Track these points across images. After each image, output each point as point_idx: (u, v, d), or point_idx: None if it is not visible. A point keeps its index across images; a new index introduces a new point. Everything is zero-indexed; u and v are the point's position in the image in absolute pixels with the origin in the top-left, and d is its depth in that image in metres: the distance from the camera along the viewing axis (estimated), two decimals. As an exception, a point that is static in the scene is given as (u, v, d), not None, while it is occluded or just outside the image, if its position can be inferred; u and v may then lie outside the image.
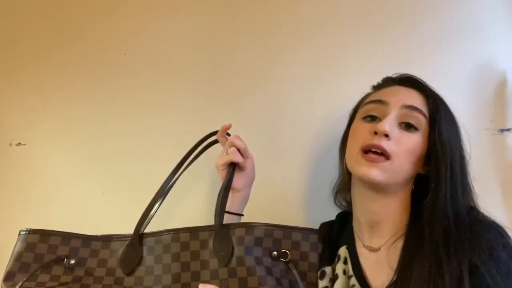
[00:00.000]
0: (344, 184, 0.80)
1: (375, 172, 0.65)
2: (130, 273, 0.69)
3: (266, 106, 1.00)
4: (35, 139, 0.99)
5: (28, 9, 1.04)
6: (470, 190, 0.68)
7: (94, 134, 0.99)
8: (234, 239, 0.68)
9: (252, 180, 0.84)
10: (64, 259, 0.69)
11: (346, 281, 0.69)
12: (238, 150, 0.79)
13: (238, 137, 0.80)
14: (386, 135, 0.65)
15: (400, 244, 0.66)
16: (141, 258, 0.70)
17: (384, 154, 0.65)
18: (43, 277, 0.68)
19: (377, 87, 0.79)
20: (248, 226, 0.69)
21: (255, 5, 1.03)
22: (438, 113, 0.68)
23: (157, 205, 0.75)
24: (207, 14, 1.04)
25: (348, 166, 0.71)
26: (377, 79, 1.02)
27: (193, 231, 0.70)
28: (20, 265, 0.68)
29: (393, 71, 1.01)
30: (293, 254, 0.69)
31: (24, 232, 0.72)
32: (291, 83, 1.01)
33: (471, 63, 1.01)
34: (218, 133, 0.84)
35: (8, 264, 0.68)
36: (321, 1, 1.04)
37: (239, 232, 0.69)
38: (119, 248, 0.71)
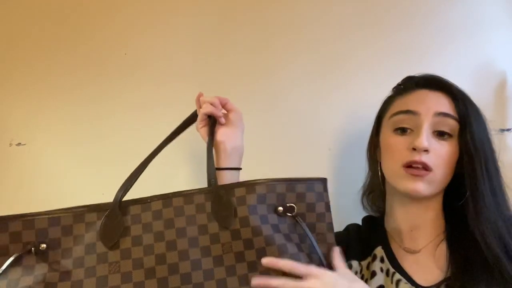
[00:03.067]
0: (376, 190, 0.81)
1: (422, 186, 0.68)
2: (113, 246, 0.60)
3: (266, 106, 1.00)
4: (35, 139, 0.99)
5: (28, 9, 1.04)
6: (505, 188, 0.70)
7: (94, 134, 0.99)
8: (235, 200, 0.63)
9: (240, 130, 0.76)
10: (31, 248, 0.58)
11: (386, 278, 0.70)
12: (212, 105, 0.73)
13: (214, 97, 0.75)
14: (426, 150, 0.67)
15: (444, 245, 0.69)
16: (126, 228, 0.61)
17: (425, 168, 0.67)
18: (15, 272, 0.58)
19: (401, 91, 0.77)
20: (248, 184, 0.64)
21: (257, 5, 1.03)
22: (468, 116, 0.69)
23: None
24: (207, 13, 1.04)
25: (390, 181, 0.73)
26: (377, 79, 1.02)
27: (186, 195, 0.63)
28: None
29: (393, 71, 1.02)
30: (300, 207, 0.65)
31: None
32: (292, 83, 1.01)
33: (471, 63, 1.01)
34: (196, 103, 0.77)
35: None
36: (322, 1, 1.04)
37: (239, 192, 0.64)
38: (96, 220, 0.62)
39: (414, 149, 0.68)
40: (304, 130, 0.99)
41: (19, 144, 0.99)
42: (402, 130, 0.71)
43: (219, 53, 1.02)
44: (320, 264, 0.62)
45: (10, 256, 0.58)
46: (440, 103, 0.70)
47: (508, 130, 0.97)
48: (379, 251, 0.73)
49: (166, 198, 0.63)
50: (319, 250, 0.63)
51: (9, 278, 0.58)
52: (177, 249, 0.60)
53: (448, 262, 0.67)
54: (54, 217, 0.61)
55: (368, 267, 0.73)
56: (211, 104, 0.73)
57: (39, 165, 0.98)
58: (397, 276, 0.69)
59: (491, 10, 1.03)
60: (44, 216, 0.61)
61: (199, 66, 1.02)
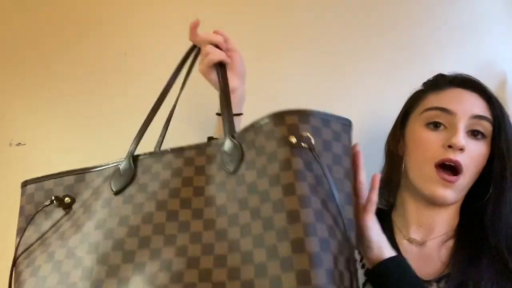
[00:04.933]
0: (390, 185, 0.79)
1: (450, 194, 0.67)
2: (118, 191, 0.61)
3: (269, 107, 1.00)
4: (35, 139, 0.99)
5: (28, 9, 1.04)
6: None
7: (94, 134, 0.99)
8: (244, 145, 0.57)
9: (244, 74, 0.74)
10: (53, 201, 0.65)
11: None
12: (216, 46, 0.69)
13: (215, 32, 0.70)
14: (461, 149, 0.66)
15: (451, 243, 0.69)
16: (134, 176, 0.62)
17: (457, 169, 0.66)
18: (46, 225, 0.66)
19: (432, 87, 0.76)
20: (256, 126, 0.57)
21: (258, 5, 1.03)
22: (503, 119, 0.69)
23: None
24: (208, 13, 1.04)
25: (416, 181, 0.71)
26: (377, 79, 1.02)
27: (200, 147, 0.61)
28: (26, 218, 0.68)
29: (393, 71, 1.02)
30: (316, 142, 0.53)
31: (23, 186, 0.71)
32: (293, 83, 1.01)
33: (471, 63, 1.01)
34: (189, 36, 0.71)
35: (18, 221, 0.69)
36: (322, 1, 1.04)
37: (248, 136, 0.57)
38: (112, 174, 0.65)
39: (449, 146, 0.67)
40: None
41: (19, 144, 0.99)
42: (435, 125, 0.70)
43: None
44: (337, 214, 0.51)
45: (39, 209, 0.66)
46: (476, 105, 0.70)
47: (508, 130, 0.97)
48: None
49: (178, 151, 0.62)
50: (337, 196, 0.52)
51: (41, 230, 0.66)
52: (179, 196, 0.58)
53: (452, 257, 0.67)
54: (79, 175, 0.67)
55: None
56: (217, 44, 0.68)
57: (39, 165, 0.98)
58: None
59: (491, 10, 1.03)
60: (71, 176, 0.68)
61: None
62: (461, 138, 0.66)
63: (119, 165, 0.65)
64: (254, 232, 0.51)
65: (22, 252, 0.65)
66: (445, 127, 0.70)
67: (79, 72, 1.01)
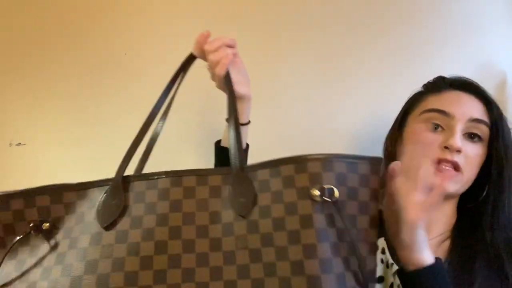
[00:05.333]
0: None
1: (449, 186, 0.69)
2: (109, 226, 0.52)
3: (269, 107, 1.00)
4: (35, 139, 0.99)
5: (28, 9, 1.04)
6: None
7: (95, 134, 0.99)
8: (256, 184, 0.51)
9: (249, 79, 0.71)
10: (32, 228, 0.55)
11: (386, 269, 0.70)
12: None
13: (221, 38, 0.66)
14: (458, 150, 0.68)
15: (447, 243, 0.70)
16: (125, 207, 0.53)
17: (455, 168, 0.68)
18: (24, 252, 0.56)
19: (432, 89, 0.78)
20: (273, 165, 0.51)
21: (259, 5, 1.03)
22: (501, 122, 0.71)
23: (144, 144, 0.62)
24: (208, 13, 1.04)
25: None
26: (376, 79, 1.02)
27: (201, 174, 0.54)
28: None
29: (393, 71, 1.02)
30: (340, 192, 0.49)
31: None
32: (294, 83, 1.01)
33: (471, 63, 1.01)
34: (195, 49, 0.68)
35: None
36: (321, 1, 1.04)
37: (262, 175, 0.51)
38: (100, 196, 0.56)
39: (446, 147, 0.68)
40: (304, 130, 0.99)
41: (19, 144, 0.99)
42: (434, 127, 0.72)
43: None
44: (358, 270, 0.49)
45: (17, 235, 0.56)
46: (475, 108, 0.72)
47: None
48: (381, 242, 0.73)
49: (175, 176, 0.54)
50: (360, 250, 0.49)
51: (18, 258, 0.56)
52: (181, 237, 0.51)
53: (446, 259, 0.68)
54: (55, 192, 0.58)
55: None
56: (229, 45, 0.65)
57: (39, 165, 0.98)
58: (395, 267, 0.69)
59: (491, 10, 1.03)
60: (44, 195, 0.58)
61: (200, 66, 1.02)
62: (458, 140, 0.68)
63: (105, 189, 0.56)
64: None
65: (2, 286, 0.56)
66: (443, 129, 0.71)
67: (79, 72, 1.01)
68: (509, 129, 0.72)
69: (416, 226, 0.54)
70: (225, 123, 0.72)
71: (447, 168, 0.68)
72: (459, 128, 0.69)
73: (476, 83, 0.75)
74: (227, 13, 1.04)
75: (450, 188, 0.69)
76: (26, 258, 0.56)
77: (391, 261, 0.70)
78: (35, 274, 0.54)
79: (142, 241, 0.51)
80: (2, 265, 0.55)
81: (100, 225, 0.53)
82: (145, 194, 0.54)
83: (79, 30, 1.03)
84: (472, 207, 0.72)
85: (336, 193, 0.48)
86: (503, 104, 0.99)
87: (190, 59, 0.68)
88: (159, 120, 0.66)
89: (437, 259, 0.56)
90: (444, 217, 0.73)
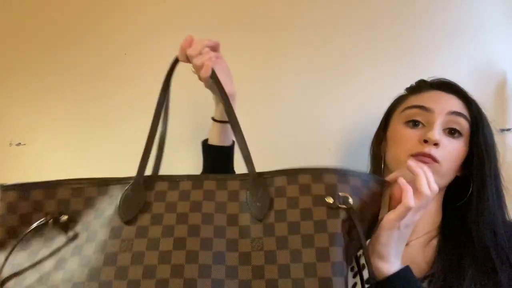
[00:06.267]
0: None
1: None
2: (130, 221, 0.54)
3: (265, 106, 1.00)
4: (35, 139, 0.99)
5: (28, 9, 1.04)
6: (504, 193, 0.72)
7: (95, 134, 0.99)
8: (272, 190, 0.55)
9: (231, 75, 0.74)
10: (49, 220, 0.56)
11: None
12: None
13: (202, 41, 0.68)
14: (436, 144, 0.68)
15: (435, 242, 0.70)
16: (146, 203, 0.55)
17: (434, 160, 0.68)
18: (37, 243, 0.56)
19: (413, 91, 0.80)
20: (291, 174, 0.55)
21: (259, 5, 1.03)
22: (480, 118, 0.71)
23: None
24: (208, 13, 1.04)
25: (393, 168, 0.73)
26: (376, 80, 1.02)
27: (220, 179, 0.57)
28: (8, 230, 0.57)
29: (393, 71, 1.02)
30: (354, 202, 0.53)
31: (2, 189, 0.60)
32: (291, 83, 1.01)
33: (471, 63, 1.01)
34: (179, 54, 0.70)
35: None
36: (321, 1, 1.04)
37: (279, 181, 0.55)
38: (120, 193, 0.57)
39: (425, 141, 0.69)
40: (303, 130, 0.99)
41: (19, 144, 0.99)
42: (414, 124, 0.73)
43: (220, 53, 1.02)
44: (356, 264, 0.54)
45: (32, 228, 0.56)
46: (454, 103, 0.73)
47: (508, 130, 0.97)
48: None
49: (197, 180, 0.57)
50: (368, 266, 0.53)
51: (31, 248, 0.56)
52: (200, 236, 0.52)
53: (436, 257, 0.68)
54: (77, 187, 0.58)
55: (359, 258, 0.73)
56: (208, 63, 0.66)
57: (39, 165, 0.98)
58: None
59: (491, 10, 1.03)
60: (67, 188, 0.58)
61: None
62: (436, 133, 0.68)
63: (126, 186, 0.57)
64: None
65: (13, 275, 0.56)
66: (424, 125, 0.72)
67: (79, 72, 1.01)
68: (489, 126, 0.73)
69: (388, 232, 0.56)
70: (211, 122, 0.76)
71: (424, 158, 0.68)
72: (438, 122, 0.70)
73: (456, 83, 0.77)
74: (226, 14, 1.04)
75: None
76: (39, 249, 0.56)
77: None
78: (49, 264, 0.55)
79: (162, 237, 0.52)
80: (14, 255, 0.55)
81: (121, 219, 0.54)
82: (167, 193, 0.56)
83: (79, 30, 1.03)
84: (458, 206, 0.72)
85: (351, 200, 0.52)
86: (503, 104, 0.99)
87: (175, 63, 0.70)
88: (162, 123, 0.68)
89: (406, 267, 0.58)
90: (428, 215, 0.73)
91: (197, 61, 0.66)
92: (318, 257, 0.49)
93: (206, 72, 0.65)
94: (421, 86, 0.80)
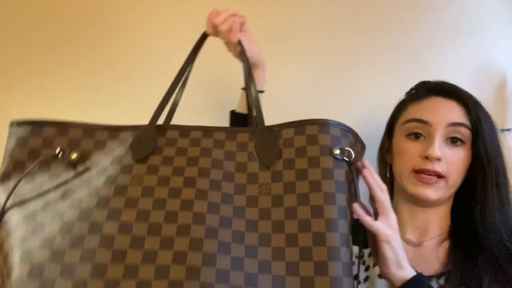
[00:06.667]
0: None
1: (430, 192, 0.70)
2: (141, 160, 0.56)
3: (269, 107, 1.00)
4: (35, 139, 0.99)
5: (28, 9, 1.04)
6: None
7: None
8: (281, 141, 0.57)
9: (259, 47, 0.76)
10: (60, 153, 0.57)
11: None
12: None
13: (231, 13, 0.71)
14: (438, 159, 0.69)
15: (447, 243, 0.71)
16: (157, 148, 0.57)
17: (438, 176, 0.69)
18: (42, 177, 0.58)
19: (413, 98, 0.79)
20: (298, 125, 0.57)
21: (259, 5, 1.03)
22: (480, 124, 0.71)
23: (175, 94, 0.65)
24: (207, 12, 1.04)
25: (400, 183, 0.74)
26: (376, 80, 1.02)
27: (229, 131, 0.59)
28: (14, 163, 0.58)
29: (393, 72, 1.02)
30: (354, 157, 0.56)
31: (13, 125, 0.60)
32: (293, 83, 1.01)
33: (471, 63, 1.01)
34: (207, 28, 0.73)
35: (2, 164, 0.59)
36: (319, 1, 1.04)
37: (286, 133, 0.57)
38: (130, 138, 0.58)
39: (426, 157, 0.70)
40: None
41: (19, 144, 0.99)
42: (415, 136, 0.73)
43: (219, 53, 1.02)
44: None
45: (40, 160, 0.57)
46: (453, 112, 0.72)
47: (508, 130, 0.97)
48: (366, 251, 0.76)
49: (207, 130, 0.59)
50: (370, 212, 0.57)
51: (36, 183, 0.57)
52: (209, 177, 0.54)
53: (450, 256, 0.69)
54: (89, 129, 0.60)
55: (369, 256, 0.75)
56: (235, 27, 0.70)
57: (39, 165, 0.98)
58: (377, 270, 0.70)
59: (491, 10, 1.03)
60: (79, 128, 0.60)
61: (200, 66, 1.02)
62: (436, 149, 0.69)
63: (137, 131, 0.59)
64: (288, 230, 0.51)
65: (16, 204, 0.56)
66: (425, 137, 0.73)
67: (79, 72, 1.01)
68: (492, 130, 0.73)
69: (391, 243, 0.58)
70: (240, 93, 0.78)
71: (429, 177, 0.70)
72: (437, 136, 0.70)
73: (457, 86, 0.76)
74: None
75: (431, 196, 0.70)
76: (44, 183, 0.57)
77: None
78: (55, 195, 0.56)
79: (172, 175, 0.54)
80: (18, 187, 0.56)
81: (133, 157, 0.56)
82: (177, 140, 0.58)
83: (79, 30, 1.03)
84: (466, 208, 0.73)
85: (353, 154, 0.55)
86: (503, 104, 0.99)
87: (203, 38, 0.73)
88: (178, 90, 0.69)
89: (418, 273, 0.60)
90: (438, 219, 0.75)
91: (224, 26, 0.69)
92: (325, 200, 0.51)
93: (234, 36, 0.69)
94: (420, 93, 0.79)
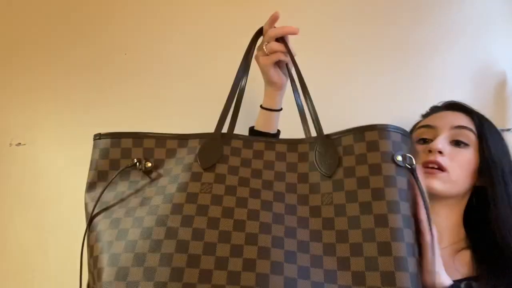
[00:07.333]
0: None
1: (435, 182, 0.73)
2: (209, 168, 0.59)
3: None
4: (35, 139, 0.99)
5: (28, 9, 1.04)
6: None
7: (94, 134, 0.99)
8: (341, 149, 0.57)
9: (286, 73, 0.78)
10: (137, 163, 0.62)
11: None
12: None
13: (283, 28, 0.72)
14: (440, 152, 0.73)
15: (466, 253, 0.73)
16: (223, 156, 0.60)
17: (440, 168, 0.73)
18: (122, 185, 0.63)
19: (425, 115, 0.86)
20: (358, 132, 0.57)
21: (259, 4, 1.03)
22: (483, 129, 0.76)
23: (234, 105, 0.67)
24: (208, 13, 1.04)
25: None
26: (375, 80, 1.02)
27: (290, 143, 0.61)
28: (98, 173, 0.64)
29: (393, 72, 1.02)
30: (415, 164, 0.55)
31: (96, 138, 0.67)
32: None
33: (471, 63, 1.01)
34: (266, 24, 0.74)
35: (88, 175, 0.65)
36: (319, 0, 1.04)
37: (346, 140, 0.57)
38: (198, 146, 0.62)
39: (429, 151, 0.74)
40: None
41: (19, 144, 0.99)
42: (424, 141, 0.79)
43: (219, 53, 1.02)
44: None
45: (120, 170, 0.62)
46: (457, 118, 0.78)
47: (508, 130, 0.97)
48: None
49: (269, 142, 0.61)
50: (429, 217, 0.54)
51: (118, 190, 0.62)
52: (273, 189, 0.57)
53: (473, 264, 0.71)
54: (160, 138, 0.64)
55: None
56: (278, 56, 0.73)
57: (39, 165, 0.98)
58: None
59: (491, 10, 1.03)
60: (152, 138, 0.64)
61: (200, 66, 1.02)
62: (438, 142, 0.74)
63: (203, 139, 0.62)
64: (352, 240, 0.52)
65: (101, 211, 0.61)
66: (432, 140, 0.78)
67: (79, 72, 1.01)
68: (498, 140, 0.76)
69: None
70: (259, 110, 0.80)
71: (432, 167, 0.73)
72: (442, 135, 0.75)
73: (463, 103, 0.81)
74: (226, 14, 1.04)
75: (436, 185, 0.73)
76: (125, 191, 0.62)
77: None
78: (134, 202, 0.60)
79: (239, 185, 0.57)
80: (104, 195, 0.62)
81: (201, 165, 0.59)
82: (242, 151, 0.61)
83: (79, 30, 1.03)
84: (482, 216, 0.75)
85: (414, 161, 0.55)
86: (503, 104, 0.99)
87: (259, 33, 0.75)
88: (241, 79, 0.72)
89: (454, 283, 0.60)
90: (451, 226, 0.76)
91: (268, 48, 0.73)
92: (389, 209, 0.51)
93: (267, 61, 0.73)
94: (431, 110, 0.86)
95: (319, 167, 0.57)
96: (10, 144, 0.99)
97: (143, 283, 0.51)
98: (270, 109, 0.79)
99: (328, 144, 0.58)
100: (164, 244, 0.53)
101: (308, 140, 0.61)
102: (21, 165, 0.98)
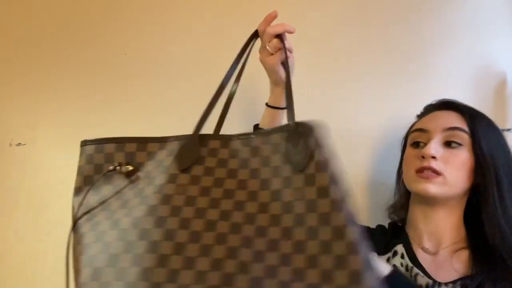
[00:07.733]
0: (400, 205, 0.88)
1: (431, 186, 0.74)
2: (185, 170, 0.60)
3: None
4: (35, 139, 0.99)
5: (28, 9, 1.04)
6: None
7: (94, 134, 0.99)
8: (312, 141, 0.55)
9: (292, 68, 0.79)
10: (117, 166, 0.64)
11: (405, 272, 0.75)
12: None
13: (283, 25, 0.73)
14: (433, 157, 0.74)
15: (464, 253, 0.74)
16: (200, 157, 0.61)
17: (435, 173, 0.74)
18: (106, 189, 0.65)
19: (420, 116, 0.87)
20: (325, 128, 0.57)
21: (259, 5, 1.03)
22: (475, 128, 0.76)
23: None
24: (208, 13, 1.04)
25: (407, 186, 0.81)
26: (375, 81, 1.02)
27: (265, 135, 0.60)
28: (84, 178, 0.66)
29: (393, 72, 1.02)
30: None
31: (82, 145, 0.69)
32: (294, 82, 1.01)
33: (471, 63, 1.01)
34: (261, 25, 0.75)
35: (75, 180, 0.67)
36: (319, 1, 1.04)
37: (319, 132, 0.56)
38: (177, 148, 0.63)
39: (422, 157, 0.76)
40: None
41: (19, 144, 0.99)
42: (417, 144, 0.81)
43: (220, 53, 1.02)
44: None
45: (103, 174, 0.65)
46: (450, 119, 0.78)
47: (508, 130, 0.98)
48: (400, 248, 0.79)
49: (246, 138, 0.61)
50: None
51: (102, 193, 0.65)
52: (247, 188, 0.58)
53: (469, 263, 0.72)
54: (142, 142, 0.66)
55: (388, 261, 0.78)
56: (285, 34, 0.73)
57: (39, 165, 0.98)
58: (415, 270, 0.74)
59: (491, 10, 1.03)
60: (133, 143, 0.66)
61: (200, 66, 1.02)
62: (430, 148, 0.75)
63: (183, 141, 0.64)
64: (322, 237, 0.51)
65: (84, 214, 0.64)
66: (425, 144, 0.79)
67: (79, 72, 1.01)
68: (492, 136, 0.76)
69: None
70: (264, 107, 0.81)
71: (428, 173, 0.75)
72: (434, 139, 0.76)
73: (455, 101, 0.81)
74: (227, 14, 1.04)
75: (432, 189, 0.74)
76: (108, 194, 0.64)
77: (411, 265, 0.75)
78: (115, 205, 0.63)
79: (213, 187, 0.58)
80: (87, 198, 0.64)
81: (178, 167, 0.61)
82: (219, 151, 0.62)
83: (79, 30, 1.03)
84: (480, 215, 0.75)
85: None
86: (503, 104, 0.99)
87: (254, 36, 0.76)
88: (233, 84, 0.73)
89: (393, 269, 0.64)
90: (450, 226, 0.77)
91: (272, 44, 0.73)
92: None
93: (273, 58, 0.74)
94: (425, 110, 0.86)
95: (291, 161, 0.57)
96: (10, 144, 0.99)
97: (114, 283, 0.53)
98: (278, 107, 0.80)
99: (299, 135, 0.57)
100: (137, 244, 0.55)
101: (279, 129, 0.60)
102: (21, 165, 0.98)
